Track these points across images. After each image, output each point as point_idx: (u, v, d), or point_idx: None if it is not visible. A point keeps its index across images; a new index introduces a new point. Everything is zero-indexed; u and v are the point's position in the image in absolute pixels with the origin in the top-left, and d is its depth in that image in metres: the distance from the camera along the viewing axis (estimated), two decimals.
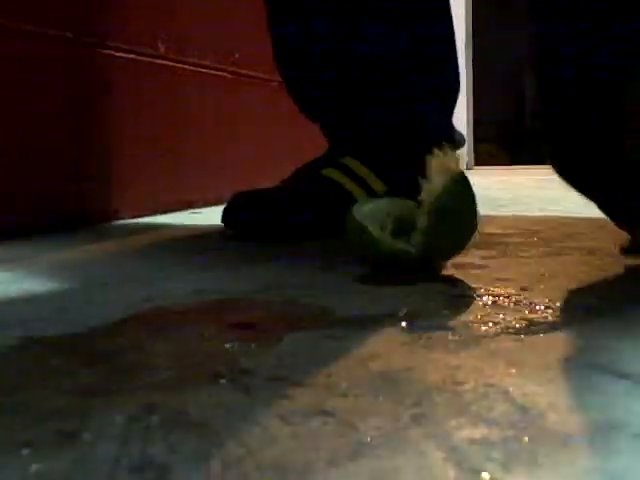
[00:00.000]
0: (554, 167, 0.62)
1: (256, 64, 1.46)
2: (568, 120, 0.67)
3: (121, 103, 1.11)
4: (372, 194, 0.83)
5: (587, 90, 0.72)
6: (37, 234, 0.91)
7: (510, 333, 0.39)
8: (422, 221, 0.56)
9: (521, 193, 1.68)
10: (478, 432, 0.26)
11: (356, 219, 0.57)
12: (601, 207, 0.61)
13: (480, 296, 0.49)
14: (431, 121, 0.90)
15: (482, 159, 3.84)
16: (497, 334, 0.39)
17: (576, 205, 0.92)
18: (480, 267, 0.61)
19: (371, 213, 0.59)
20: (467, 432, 0.26)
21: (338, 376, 0.32)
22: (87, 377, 0.33)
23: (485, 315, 0.43)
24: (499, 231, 0.85)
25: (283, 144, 1.57)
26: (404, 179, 0.80)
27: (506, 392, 0.30)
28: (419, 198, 0.57)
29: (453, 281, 0.55)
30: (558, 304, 0.47)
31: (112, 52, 1.09)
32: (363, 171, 0.85)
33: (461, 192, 0.55)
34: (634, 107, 0.57)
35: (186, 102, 1.27)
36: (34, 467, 0.23)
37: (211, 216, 1.06)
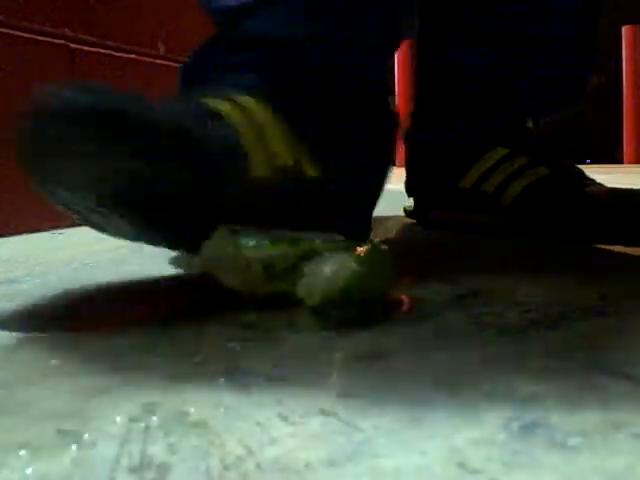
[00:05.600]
0: None
1: None
2: None
3: None
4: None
5: None
6: (36, 232, 0.91)
7: (509, 333, 0.39)
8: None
9: None
10: (478, 432, 0.26)
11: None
12: None
13: (478, 295, 0.49)
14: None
15: None
16: (496, 334, 0.39)
17: None
18: (473, 265, 0.61)
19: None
20: (467, 432, 0.26)
21: (338, 376, 0.32)
22: (87, 377, 0.33)
23: (484, 315, 0.43)
24: None
25: None
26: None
27: (506, 392, 0.30)
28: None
29: (450, 281, 0.55)
30: (557, 304, 0.47)
31: (112, 52, 1.09)
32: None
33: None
34: None
35: None
36: (34, 467, 0.23)
37: None
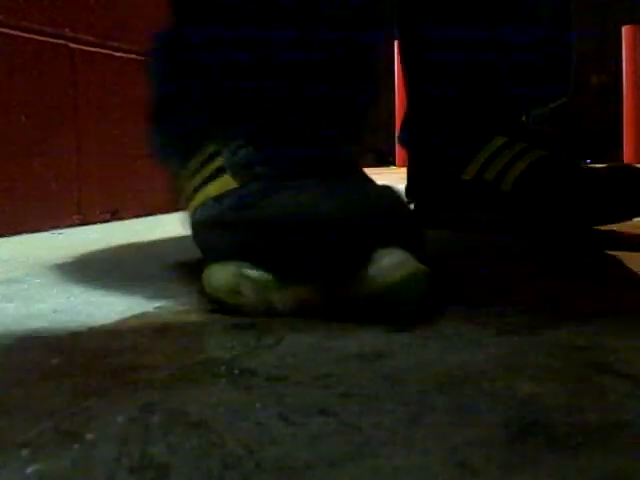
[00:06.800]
0: None
1: None
2: None
3: (121, 103, 1.11)
4: None
5: None
6: (36, 232, 0.91)
7: (510, 333, 0.39)
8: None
9: None
10: (478, 432, 0.26)
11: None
12: None
13: (478, 296, 0.49)
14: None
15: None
16: (496, 334, 0.39)
17: None
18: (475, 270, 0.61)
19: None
20: (467, 432, 0.26)
21: (338, 376, 0.32)
22: (87, 377, 0.33)
23: (484, 315, 0.43)
24: None
25: None
26: None
27: (506, 392, 0.30)
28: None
29: (450, 281, 0.55)
30: (557, 304, 0.47)
31: (112, 52, 1.09)
32: None
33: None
34: None
35: None
36: (34, 467, 0.23)
37: None
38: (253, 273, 0.44)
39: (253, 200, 0.49)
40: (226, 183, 0.54)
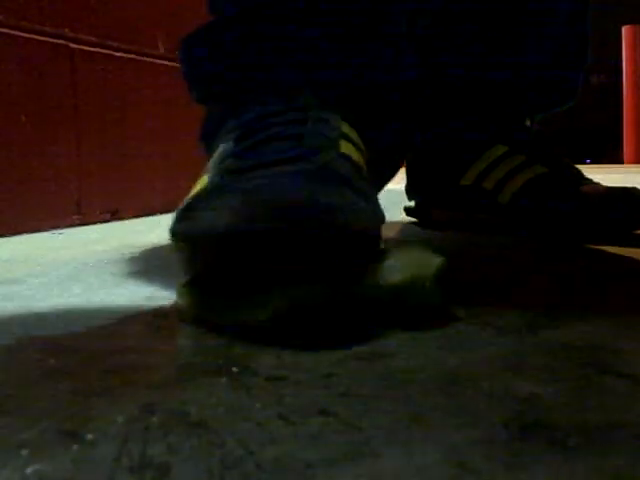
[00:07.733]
0: None
1: None
2: None
3: (121, 103, 1.11)
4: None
5: None
6: (36, 232, 0.91)
7: (510, 333, 0.39)
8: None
9: None
10: (478, 432, 0.26)
11: None
12: None
13: (478, 296, 0.49)
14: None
15: None
16: (496, 334, 0.39)
17: None
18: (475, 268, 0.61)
19: None
20: (467, 432, 0.26)
21: (338, 376, 0.32)
22: (87, 377, 0.33)
23: (484, 315, 0.43)
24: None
25: None
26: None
27: (506, 392, 0.30)
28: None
29: (449, 281, 0.55)
30: (557, 303, 0.47)
31: (112, 52, 1.09)
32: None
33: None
34: None
35: (186, 102, 1.27)
36: (34, 467, 0.23)
37: None
38: (183, 291, 0.43)
39: (188, 213, 0.45)
40: (202, 181, 0.50)
